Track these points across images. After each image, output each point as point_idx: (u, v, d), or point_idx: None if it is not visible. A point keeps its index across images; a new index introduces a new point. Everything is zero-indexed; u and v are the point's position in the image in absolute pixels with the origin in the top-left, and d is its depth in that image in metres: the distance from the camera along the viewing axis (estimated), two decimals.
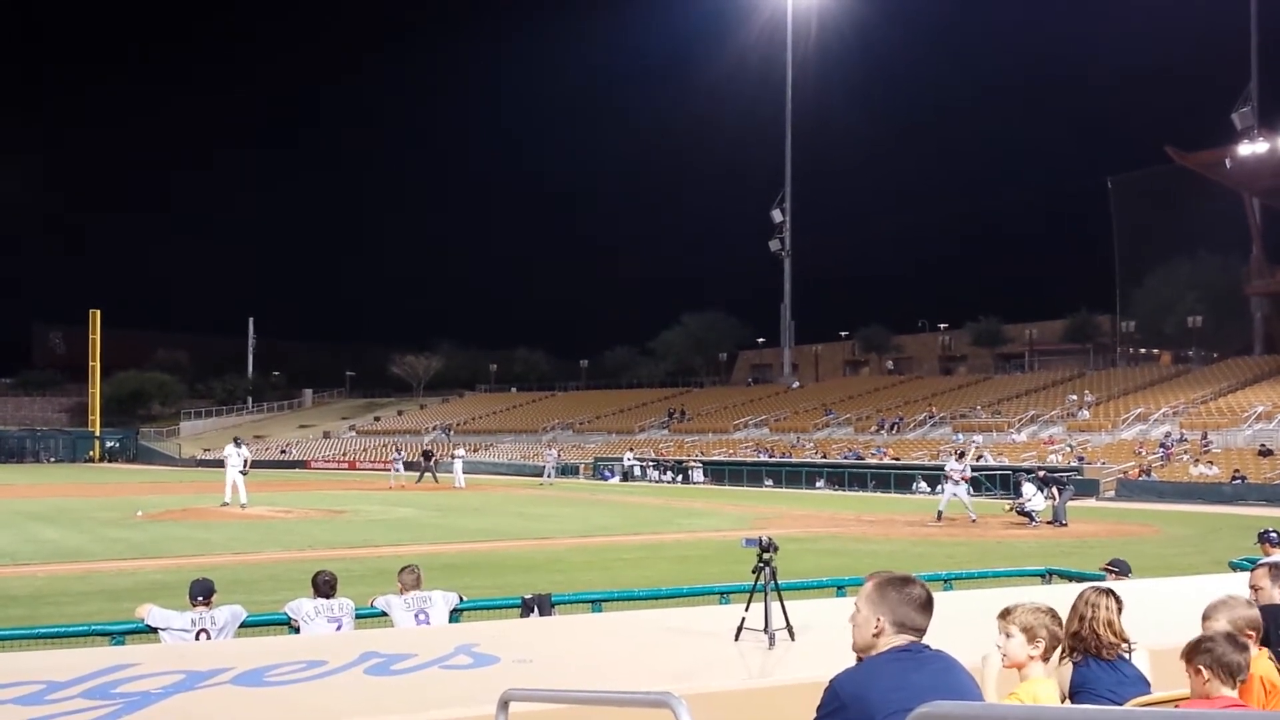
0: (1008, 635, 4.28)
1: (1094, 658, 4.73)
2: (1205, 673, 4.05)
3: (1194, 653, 4.13)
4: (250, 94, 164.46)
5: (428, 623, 8.84)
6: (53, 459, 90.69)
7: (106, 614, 11.19)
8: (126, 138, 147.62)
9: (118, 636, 8.11)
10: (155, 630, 8.23)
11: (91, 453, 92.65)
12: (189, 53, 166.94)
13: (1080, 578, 10.51)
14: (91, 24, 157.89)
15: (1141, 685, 4.70)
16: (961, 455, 32.62)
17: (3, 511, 31.88)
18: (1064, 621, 4.49)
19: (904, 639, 3.70)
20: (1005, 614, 4.34)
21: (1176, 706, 4.18)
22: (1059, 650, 4.52)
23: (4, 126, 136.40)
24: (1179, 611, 5.33)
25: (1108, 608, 4.84)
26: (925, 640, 3.76)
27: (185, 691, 5.35)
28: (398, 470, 49.92)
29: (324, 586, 8.83)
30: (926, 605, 3.75)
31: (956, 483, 29.72)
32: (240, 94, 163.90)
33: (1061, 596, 5.12)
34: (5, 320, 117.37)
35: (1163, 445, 45.01)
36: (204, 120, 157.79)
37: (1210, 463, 41.43)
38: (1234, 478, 38.74)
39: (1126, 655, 4.78)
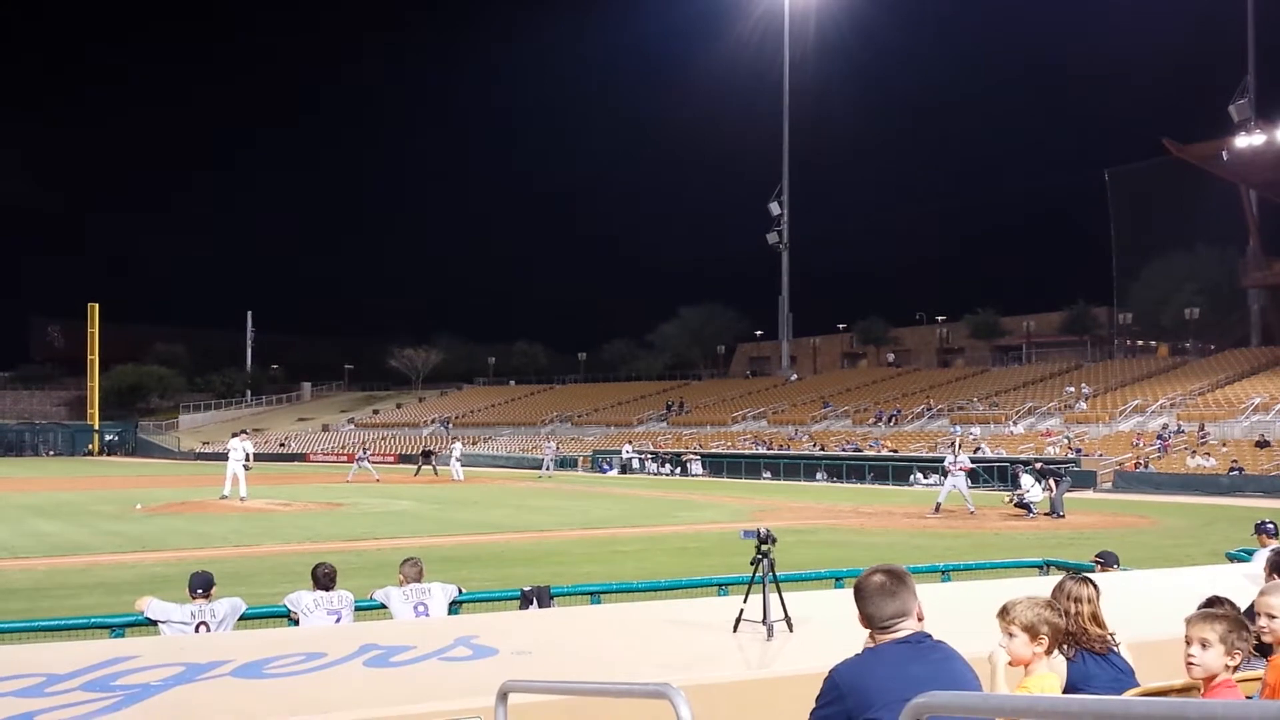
0: (1010, 635, 4.22)
1: (1086, 651, 4.71)
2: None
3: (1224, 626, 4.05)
4: (248, 90, 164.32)
5: (426, 614, 8.86)
6: (52, 452, 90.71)
7: (106, 607, 11.21)
8: (125, 133, 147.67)
9: (117, 629, 8.12)
10: (155, 623, 8.24)
11: (90, 446, 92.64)
12: (187, 49, 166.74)
13: (1077, 569, 10.53)
14: (94, 19, 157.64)
15: (1133, 679, 4.69)
16: (954, 447, 32.62)
17: (2, 505, 31.88)
18: (1061, 613, 4.45)
19: (886, 633, 3.74)
20: (1003, 613, 4.28)
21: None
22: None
23: (3, 122, 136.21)
24: (1171, 603, 5.34)
25: (1090, 599, 4.83)
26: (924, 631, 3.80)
27: (185, 684, 5.36)
28: (363, 465, 48.97)
29: (323, 579, 8.84)
30: (877, 592, 3.77)
31: (954, 475, 29.76)
32: (239, 90, 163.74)
33: None
34: (3, 314, 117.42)
35: (1160, 437, 45.06)
36: (203, 116, 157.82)
37: (1207, 454, 41.49)
38: (1231, 469, 38.82)
39: (1115, 647, 4.78)
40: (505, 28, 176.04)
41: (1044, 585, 7.76)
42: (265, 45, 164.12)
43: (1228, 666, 3.96)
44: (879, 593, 3.76)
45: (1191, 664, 4.00)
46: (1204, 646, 3.95)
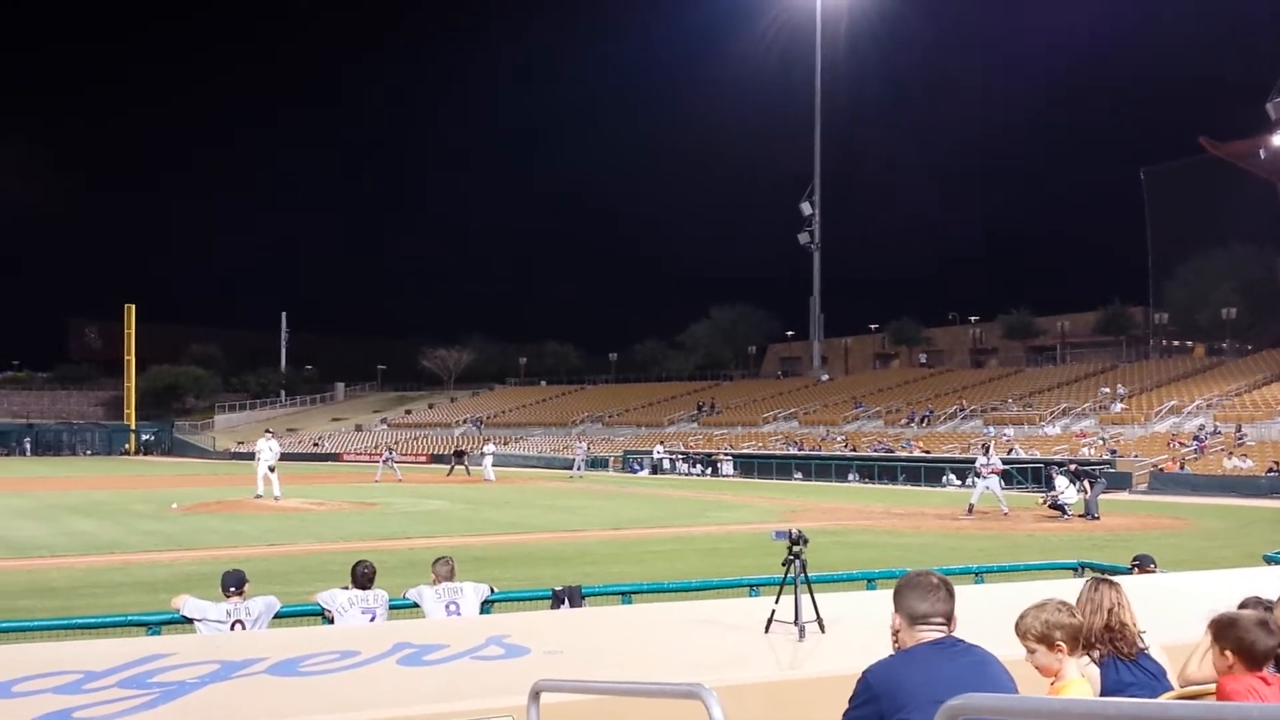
0: (1030, 651, 4.15)
1: (1116, 658, 4.64)
2: (1230, 656, 4.03)
3: (1221, 631, 4.10)
4: (282, 92, 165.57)
5: (458, 613, 8.90)
6: (89, 452, 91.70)
7: (143, 605, 11.32)
8: (163, 136, 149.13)
9: (154, 627, 8.19)
10: (190, 621, 8.31)
11: (127, 446, 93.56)
12: (214, 51, 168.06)
13: (1112, 571, 10.45)
14: (121, 16, 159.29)
15: (1166, 681, 4.64)
16: (986, 449, 32.41)
17: (41, 504, 32.27)
18: (1073, 610, 4.34)
19: (927, 631, 3.72)
20: (1017, 628, 4.20)
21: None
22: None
23: (41, 125, 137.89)
24: (1207, 606, 5.27)
25: (1123, 602, 4.78)
26: (957, 633, 3.78)
27: (220, 681, 5.40)
28: (389, 465, 48.61)
29: (362, 578, 8.91)
30: (935, 589, 3.78)
31: (985, 477, 29.64)
32: (272, 93, 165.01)
33: None
34: (42, 315, 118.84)
35: (1196, 438, 44.60)
36: (239, 118, 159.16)
37: (1244, 455, 41.02)
38: (1269, 471, 38.31)
39: (1145, 648, 4.72)
40: (537, 26, 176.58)
41: (1079, 588, 7.70)
42: (282, 43, 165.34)
43: None
44: (936, 591, 3.78)
45: None
46: None
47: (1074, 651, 4.12)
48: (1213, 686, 4.15)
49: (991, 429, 52.45)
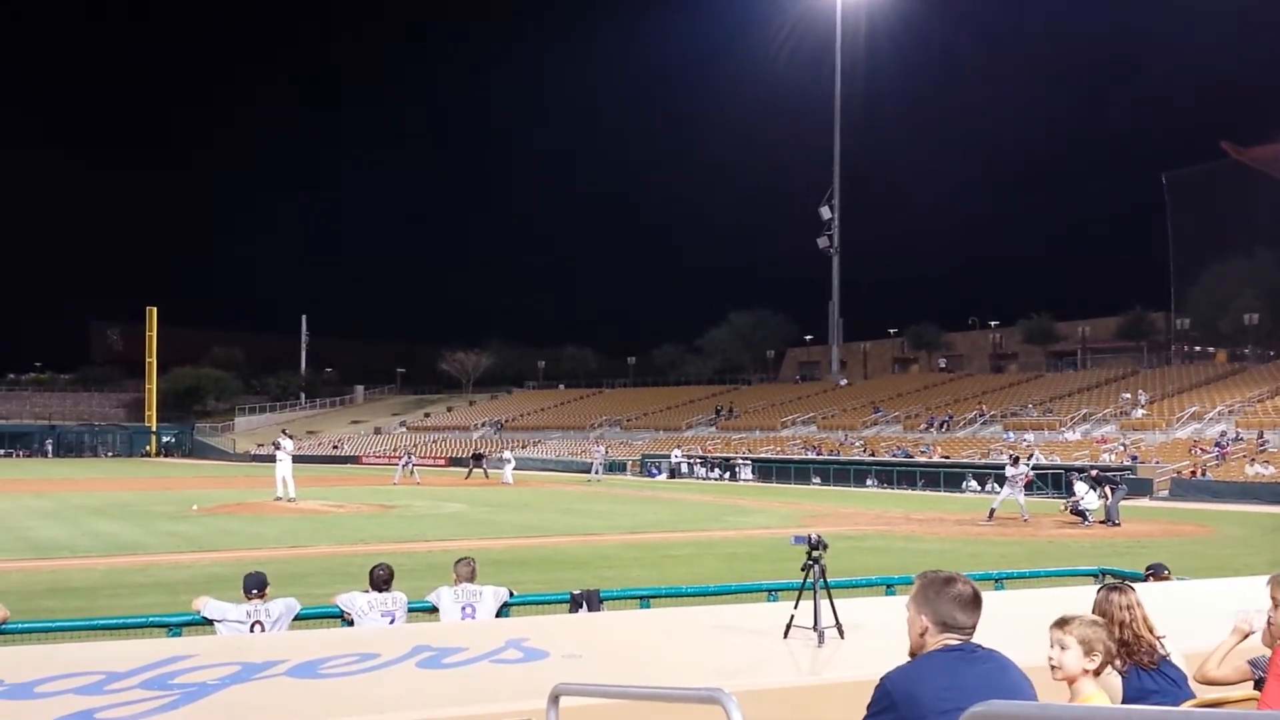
0: (1062, 647, 4.04)
1: (1138, 667, 4.61)
2: None
3: None
4: (304, 97, 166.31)
5: (473, 616, 8.91)
6: (110, 454, 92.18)
7: (164, 606, 11.38)
8: (184, 139, 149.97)
9: (175, 628, 8.24)
10: (211, 622, 8.35)
11: (148, 447, 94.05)
12: (238, 53, 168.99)
13: (1133, 578, 10.39)
14: (142, 13, 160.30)
15: (1187, 688, 4.61)
16: (1017, 460, 32.15)
17: (63, 505, 32.47)
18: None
19: (953, 638, 3.69)
20: (1062, 624, 4.10)
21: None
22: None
23: (65, 126, 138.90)
24: (1228, 613, 5.24)
25: (1140, 604, 4.77)
26: (977, 640, 3.75)
27: (241, 683, 5.43)
28: (408, 468, 48.72)
29: (379, 580, 8.94)
30: (971, 603, 3.73)
31: (1014, 485, 29.52)
32: (294, 97, 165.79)
33: None
34: (65, 317, 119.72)
35: (1218, 444, 44.31)
36: (259, 123, 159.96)
37: (1266, 462, 40.72)
38: None
39: (1166, 655, 4.70)
40: (558, 33, 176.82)
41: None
42: (317, 52, 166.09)
43: None
44: (971, 604, 3.74)
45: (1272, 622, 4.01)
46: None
47: (1099, 672, 4.06)
48: (1237, 693, 4.13)
49: (1012, 434, 52.22)
